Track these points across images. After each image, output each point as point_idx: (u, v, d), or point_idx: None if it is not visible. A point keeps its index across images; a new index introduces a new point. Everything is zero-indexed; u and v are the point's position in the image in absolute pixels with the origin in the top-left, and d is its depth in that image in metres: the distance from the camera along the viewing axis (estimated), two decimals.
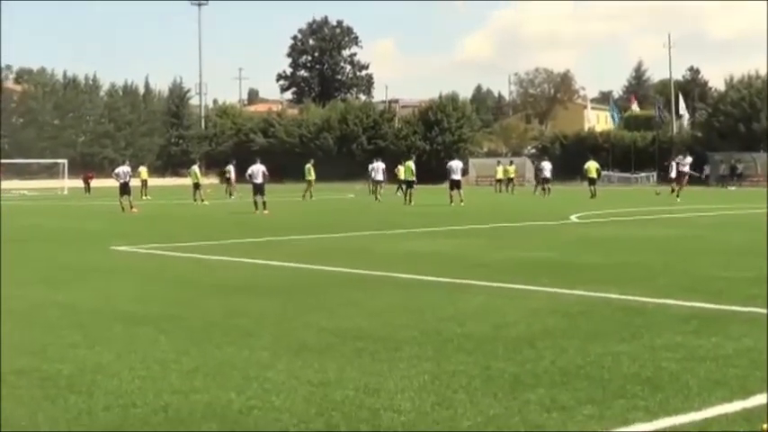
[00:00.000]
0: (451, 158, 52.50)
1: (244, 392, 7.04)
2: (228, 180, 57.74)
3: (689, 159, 50.00)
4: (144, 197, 53.59)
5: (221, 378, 7.52)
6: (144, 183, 58.25)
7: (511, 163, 68.48)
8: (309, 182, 52.90)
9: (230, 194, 54.24)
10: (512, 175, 64.37)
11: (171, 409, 6.68)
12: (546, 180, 55.72)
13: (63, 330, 9.80)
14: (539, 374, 7.51)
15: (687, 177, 48.71)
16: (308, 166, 53.70)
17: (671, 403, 6.62)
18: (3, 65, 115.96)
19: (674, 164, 55.27)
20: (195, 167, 50.96)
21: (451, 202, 40.54)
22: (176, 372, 7.76)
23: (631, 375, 7.44)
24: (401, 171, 49.49)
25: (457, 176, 42.44)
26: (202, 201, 46.32)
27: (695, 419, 6.28)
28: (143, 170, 60.43)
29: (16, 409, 6.73)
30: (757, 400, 6.67)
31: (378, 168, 51.92)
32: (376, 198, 49.16)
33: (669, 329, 9.38)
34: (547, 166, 56.63)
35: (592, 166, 52.94)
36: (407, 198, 43.41)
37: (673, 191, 51.40)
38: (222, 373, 7.70)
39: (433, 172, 74.23)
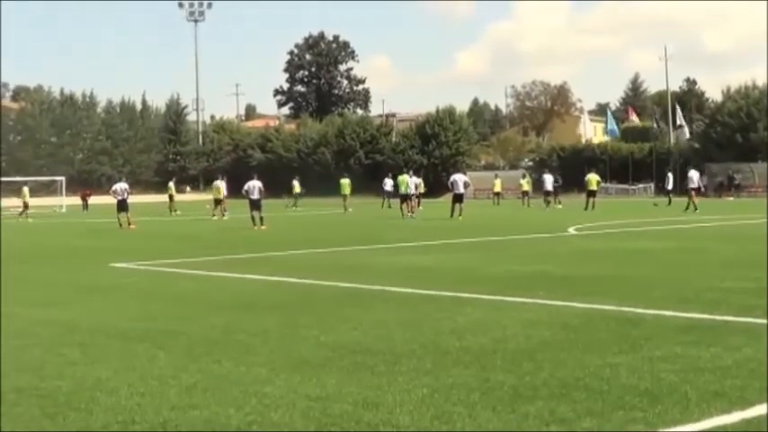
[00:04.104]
0: (455, 172, 52.48)
1: (242, 408, 7.04)
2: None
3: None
4: (173, 212, 54.87)
5: (220, 394, 7.51)
6: (171, 197, 59.39)
7: (524, 176, 68.39)
8: (345, 196, 55.33)
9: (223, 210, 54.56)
10: (526, 188, 63.77)
11: (170, 425, 6.68)
12: (548, 193, 56.11)
13: (62, 348, 9.79)
14: (538, 387, 7.51)
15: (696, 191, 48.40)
16: (343, 180, 56.56)
17: (670, 414, 6.62)
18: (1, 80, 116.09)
19: (669, 175, 55.54)
20: (219, 182, 49.19)
21: (452, 215, 40.46)
22: (175, 388, 7.75)
23: (630, 387, 7.43)
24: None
25: (460, 190, 42.20)
26: (214, 215, 46.19)
27: (694, 431, 6.28)
28: (171, 186, 61.77)
29: (16, 427, 6.74)
30: (756, 410, 6.67)
31: (411, 183, 47.11)
32: (406, 216, 44.00)
33: (667, 341, 9.38)
34: (548, 179, 56.94)
35: (592, 178, 53.19)
36: (409, 210, 43.53)
37: (670, 202, 51.57)
38: (221, 388, 7.70)
39: (430, 185, 74.19)
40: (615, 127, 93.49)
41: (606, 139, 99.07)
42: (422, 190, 51.67)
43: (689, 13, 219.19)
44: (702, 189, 48.13)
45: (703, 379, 7.64)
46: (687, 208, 45.78)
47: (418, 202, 52.04)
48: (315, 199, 65.25)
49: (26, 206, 54.58)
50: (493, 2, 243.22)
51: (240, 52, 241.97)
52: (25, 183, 60.62)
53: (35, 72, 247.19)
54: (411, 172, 51.49)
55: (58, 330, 11.08)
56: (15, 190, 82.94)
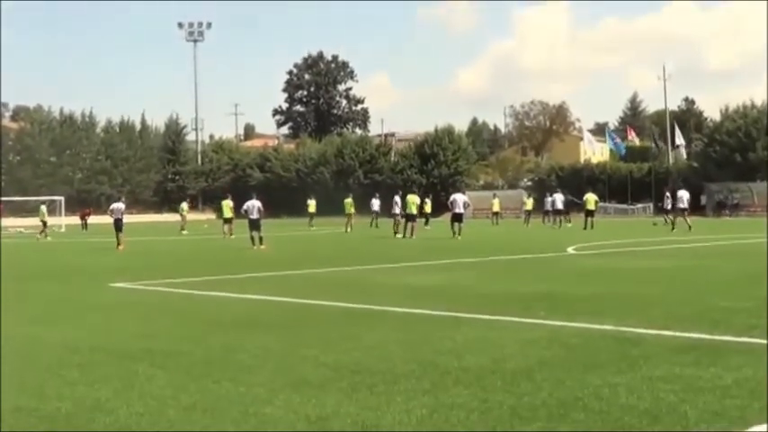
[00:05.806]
0: (454, 191, 52.43)
1: (242, 428, 7.03)
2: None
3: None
4: (181, 231, 56.16)
5: (219, 414, 7.51)
6: (183, 217, 61.21)
7: (529, 196, 68.88)
8: (349, 215, 56.18)
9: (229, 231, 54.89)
10: (529, 208, 65.03)
11: None
12: (559, 212, 57.78)
13: (61, 368, 9.78)
14: (537, 407, 7.51)
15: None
16: (347, 200, 57.31)
17: None
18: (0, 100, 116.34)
19: (668, 195, 55.61)
20: (228, 201, 49.66)
21: (453, 235, 40.36)
22: (174, 408, 7.75)
23: (629, 407, 7.43)
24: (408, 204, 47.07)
25: (459, 210, 42.15)
26: (230, 235, 46.21)
27: None
28: (183, 206, 63.47)
29: None
30: (756, 431, 6.66)
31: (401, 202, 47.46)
32: (406, 236, 43.35)
33: (667, 360, 9.37)
34: (558, 198, 57.98)
35: (591, 198, 53.63)
36: (409, 231, 43.13)
37: (666, 222, 51.57)
38: (220, 408, 7.69)
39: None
40: (620, 146, 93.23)
41: (604, 158, 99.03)
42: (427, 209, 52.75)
43: (689, 30, 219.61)
44: (687, 209, 48.29)
45: (703, 399, 7.64)
46: (673, 228, 46.44)
47: (426, 221, 53.24)
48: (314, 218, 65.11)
49: (45, 225, 54.66)
50: (493, 12, 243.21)
51: (239, 72, 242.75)
52: (43, 202, 61.20)
53: (34, 92, 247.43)
54: (401, 192, 51.88)
55: (58, 350, 11.07)
56: (15, 209, 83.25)
